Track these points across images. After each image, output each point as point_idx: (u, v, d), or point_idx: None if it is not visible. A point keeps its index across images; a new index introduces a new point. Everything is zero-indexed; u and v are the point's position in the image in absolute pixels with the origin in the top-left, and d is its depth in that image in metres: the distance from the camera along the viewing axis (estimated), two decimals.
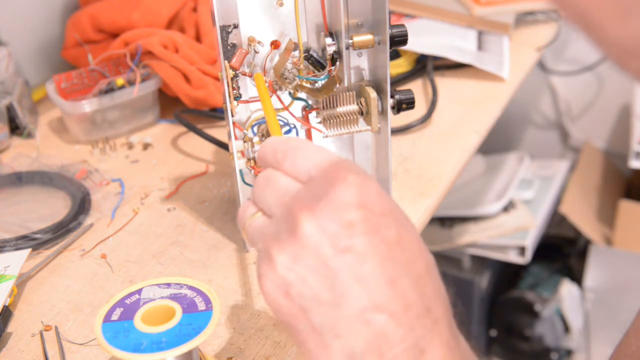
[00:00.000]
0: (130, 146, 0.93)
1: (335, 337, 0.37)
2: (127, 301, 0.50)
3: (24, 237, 0.73)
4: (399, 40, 0.62)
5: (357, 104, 0.67)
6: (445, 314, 0.39)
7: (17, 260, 0.68)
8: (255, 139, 0.69)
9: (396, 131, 0.90)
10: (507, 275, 1.70)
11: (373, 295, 0.36)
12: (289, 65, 0.65)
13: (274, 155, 0.42)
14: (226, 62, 0.63)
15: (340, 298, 0.37)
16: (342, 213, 0.37)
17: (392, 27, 0.62)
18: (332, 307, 0.37)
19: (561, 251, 1.75)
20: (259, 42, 0.65)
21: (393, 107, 0.65)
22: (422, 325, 0.37)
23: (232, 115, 0.65)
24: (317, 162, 0.40)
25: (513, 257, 1.56)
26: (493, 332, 1.67)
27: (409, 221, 0.40)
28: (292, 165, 0.41)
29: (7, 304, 0.63)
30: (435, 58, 1.06)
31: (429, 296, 0.38)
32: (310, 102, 0.69)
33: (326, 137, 0.68)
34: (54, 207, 0.80)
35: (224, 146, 0.85)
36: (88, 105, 0.90)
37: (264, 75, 0.66)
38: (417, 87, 1.03)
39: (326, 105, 0.67)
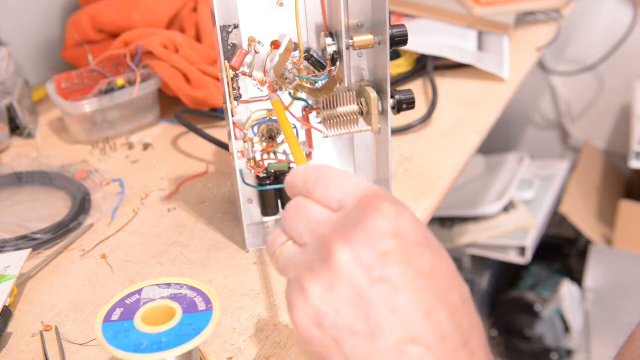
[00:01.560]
0: (130, 146, 0.93)
1: None
2: (127, 301, 0.50)
3: (24, 237, 0.73)
4: (399, 40, 0.62)
5: (357, 104, 0.67)
6: (482, 346, 0.38)
7: (17, 260, 0.68)
8: (255, 139, 0.69)
9: (396, 131, 0.90)
10: (507, 275, 1.70)
11: (409, 326, 0.35)
12: (289, 65, 0.65)
13: (304, 184, 0.42)
14: (226, 62, 0.63)
15: (375, 329, 0.36)
16: (376, 242, 0.36)
17: (392, 27, 0.62)
18: (367, 339, 0.36)
19: (561, 251, 1.75)
20: (259, 42, 0.65)
21: (393, 107, 0.65)
22: (459, 358, 0.36)
23: (232, 115, 0.65)
24: (350, 190, 0.39)
25: (513, 257, 1.56)
26: (493, 332, 1.67)
27: (443, 250, 0.39)
28: (324, 193, 0.40)
29: (7, 304, 0.63)
30: (435, 58, 1.06)
31: (465, 327, 0.37)
32: (310, 102, 0.69)
33: (326, 137, 0.68)
34: (54, 207, 0.80)
35: (224, 146, 0.85)
36: (88, 105, 0.90)
37: (264, 76, 0.66)
38: (417, 87, 1.03)
39: (326, 105, 0.67)
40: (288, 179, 0.43)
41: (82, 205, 0.79)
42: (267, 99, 0.67)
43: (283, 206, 0.74)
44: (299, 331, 0.39)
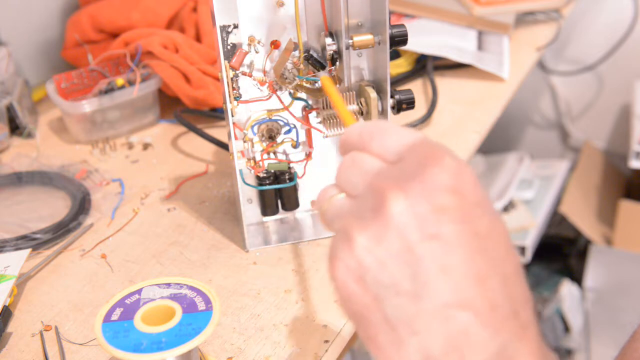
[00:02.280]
0: (130, 146, 0.93)
1: (412, 334, 0.33)
2: (127, 301, 0.50)
3: (24, 237, 0.73)
4: (399, 40, 0.62)
5: (357, 104, 0.67)
6: (533, 321, 0.35)
7: (17, 260, 0.68)
8: (255, 139, 0.69)
9: None
10: None
11: (458, 290, 0.33)
12: (289, 65, 0.65)
13: (359, 137, 0.39)
14: (226, 62, 0.63)
15: (421, 289, 0.33)
16: (435, 196, 0.33)
17: (392, 27, 0.62)
18: (412, 299, 0.33)
19: (561, 251, 1.75)
20: (259, 42, 0.65)
21: (393, 107, 0.65)
22: (510, 331, 0.33)
23: (232, 115, 0.65)
24: (409, 142, 0.36)
25: None
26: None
27: (501, 217, 0.36)
28: (381, 145, 0.37)
29: (7, 304, 0.63)
30: (435, 58, 1.06)
31: (518, 299, 0.34)
32: (310, 102, 0.69)
33: (326, 137, 0.68)
34: (54, 207, 0.80)
35: (224, 146, 0.85)
36: (88, 105, 0.90)
37: (264, 76, 0.66)
38: (417, 87, 1.03)
39: (326, 105, 0.67)
40: (342, 137, 0.40)
41: (82, 205, 0.79)
42: (267, 99, 0.67)
43: (283, 206, 0.74)
44: (337, 286, 0.35)
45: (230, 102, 0.64)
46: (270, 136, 0.69)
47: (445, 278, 0.33)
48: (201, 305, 0.49)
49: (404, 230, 0.33)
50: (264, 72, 0.66)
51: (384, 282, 0.34)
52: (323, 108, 0.67)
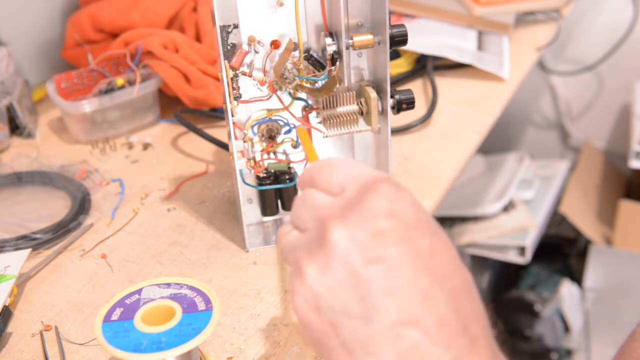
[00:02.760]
0: (130, 146, 0.93)
1: (367, 355, 0.35)
2: (127, 301, 0.50)
3: (24, 237, 0.73)
4: (399, 40, 0.62)
5: (357, 104, 0.67)
6: (485, 334, 0.36)
7: (17, 260, 0.68)
8: (255, 139, 0.69)
9: (396, 131, 0.90)
10: (507, 275, 1.70)
11: (405, 309, 0.34)
12: (289, 65, 0.65)
13: (310, 174, 0.42)
14: (226, 62, 0.63)
15: (370, 311, 0.35)
16: (372, 222, 0.36)
17: (392, 27, 0.62)
18: (363, 322, 0.35)
19: (561, 251, 1.74)
20: (259, 42, 0.65)
21: (393, 107, 0.65)
22: (459, 345, 0.35)
23: (232, 115, 0.65)
24: (352, 175, 0.39)
25: (513, 257, 1.56)
26: (493, 332, 1.67)
27: (444, 234, 0.38)
28: (327, 179, 0.40)
29: (7, 304, 0.63)
30: (435, 58, 1.06)
31: (466, 313, 0.36)
32: (310, 102, 0.69)
33: (326, 137, 0.68)
34: (54, 207, 0.80)
35: (224, 146, 0.85)
36: (88, 105, 0.90)
37: (264, 76, 0.66)
38: (417, 87, 1.03)
39: (326, 105, 0.67)
40: (299, 179, 0.44)
41: (82, 205, 0.79)
42: (267, 99, 0.67)
43: (283, 206, 0.74)
44: (298, 317, 0.38)
45: (230, 102, 0.64)
46: (270, 136, 0.69)
47: (392, 298, 0.34)
48: (201, 305, 0.49)
49: (346, 256, 0.35)
50: (264, 72, 0.66)
51: (335, 308, 0.36)
52: (323, 108, 0.67)
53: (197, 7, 1.04)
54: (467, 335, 0.35)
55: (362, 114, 0.67)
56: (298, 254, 0.38)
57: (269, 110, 0.68)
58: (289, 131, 0.70)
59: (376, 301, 0.35)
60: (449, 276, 0.36)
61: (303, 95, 0.68)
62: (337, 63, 0.65)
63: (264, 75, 0.66)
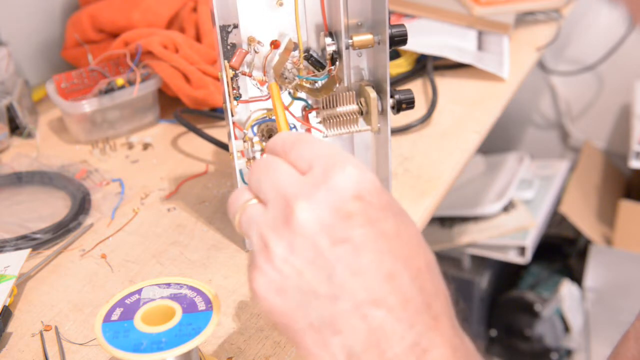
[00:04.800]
0: (130, 146, 0.93)
1: (334, 333, 0.36)
2: (127, 301, 0.50)
3: (24, 237, 0.73)
4: (399, 40, 0.62)
5: (357, 104, 0.67)
6: (447, 311, 0.38)
7: (17, 260, 0.68)
8: (255, 139, 0.69)
9: (396, 131, 0.90)
10: (507, 275, 1.70)
11: (370, 288, 0.35)
12: (289, 65, 0.65)
13: (282, 144, 0.41)
14: (226, 62, 0.63)
15: (337, 291, 0.35)
16: (339, 203, 0.36)
17: (392, 27, 0.62)
18: (330, 301, 0.36)
19: (561, 251, 1.75)
20: (259, 42, 0.65)
21: (393, 107, 0.65)
22: (423, 323, 0.36)
23: (232, 115, 0.65)
24: (320, 153, 0.39)
25: (513, 257, 1.56)
26: (493, 332, 1.67)
27: (408, 217, 0.39)
28: (297, 154, 0.40)
29: (7, 304, 0.63)
30: (435, 58, 1.06)
31: (429, 292, 0.37)
32: (310, 102, 0.69)
33: (326, 137, 0.68)
34: (54, 207, 0.80)
35: (224, 146, 0.85)
36: (88, 105, 0.90)
37: (264, 76, 0.66)
38: (417, 87, 1.03)
39: (326, 105, 0.67)
40: (268, 143, 0.43)
41: (82, 205, 0.79)
42: (267, 99, 0.67)
43: None
44: (260, 299, 0.38)
45: (230, 102, 0.64)
46: (270, 136, 0.69)
47: (358, 278, 0.35)
48: (201, 305, 0.49)
49: (314, 237, 0.36)
50: (264, 72, 0.66)
51: (302, 289, 0.36)
52: (323, 108, 0.67)
53: (197, 7, 1.04)
54: (430, 313, 0.36)
55: (362, 113, 0.67)
56: (263, 230, 0.38)
57: (269, 110, 0.68)
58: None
59: (343, 281, 0.35)
60: (413, 256, 0.37)
61: (303, 95, 0.68)
62: (337, 63, 0.65)
63: (264, 75, 0.66)
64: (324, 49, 0.65)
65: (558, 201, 1.61)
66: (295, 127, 0.70)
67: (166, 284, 0.52)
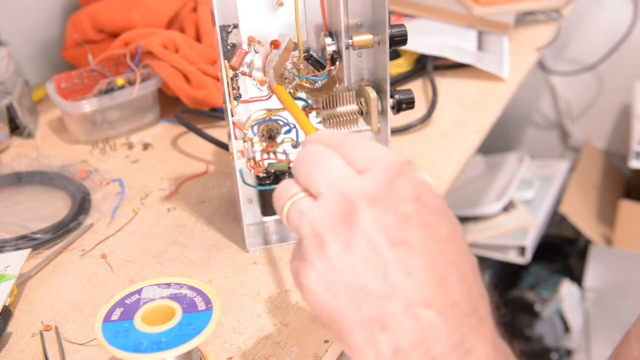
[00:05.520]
0: (130, 146, 0.93)
1: (383, 330, 0.37)
2: (127, 301, 0.50)
3: (24, 237, 0.73)
4: (398, 40, 0.62)
5: (357, 104, 0.67)
6: (489, 315, 0.39)
7: (17, 260, 0.68)
8: (255, 139, 0.69)
9: (396, 131, 0.90)
10: (507, 275, 1.70)
11: (422, 290, 0.36)
12: (288, 65, 0.65)
13: (332, 139, 0.41)
14: (226, 62, 0.63)
15: (390, 290, 0.36)
16: (399, 206, 0.37)
17: (392, 27, 0.62)
18: (382, 299, 0.36)
19: (561, 251, 1.74)
20: (259, 42, 0.65)
21: (393, 107, 0.65)
22: (469, 324, 0.37)
23: (232, 115, 0.65)
24: (377, 156, 0.39)
25: (513, 257, 1.56)
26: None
27: (458, 222, 0.40)
28: (351, 152, 0.40)
29: (7, 304, 0.63)
30: (435, 58, 1.06)
31: (475, 296, 0.38)
32: (310, 102, 0.69)
33: None
34: (54, 207, 0.80)
35: (224, 146, 0.85)
36: (88, 105, 0.90)
37: (264, 76, 0.66)
38: (417, 87, 1.03)
39: (326, 105, 0.67)
40: (312, 136, 0.42)
41: (82, 205, 0.79)
42: (267, 99, 0.67)
43: None
44: (307, 294, 0.38)
45: (230, 102, 0.64)
46: (270, 136, 0.69)
47: (411, 280, 0.36)
48: (201, 305, 0.49)
49: (372, 237, 0.37)
50: (264, 72, 0.66)
51: (354, 286, 0.37)
52: (323, 108, 0.67)
53: (197, 7, 1.04)
54: (475, 316, 0.38)
55: (362, 113, 0.67)
56: (317, 225, 0.38)
57: (268, 110, 0.68)
58: (289, 131, 0.70)
59: (397, 281, 0.36)
60: (461, 260, 0.38)
61: (303, 95, 0.68)
62: (337, 63, 0.65)
63: (264, 75, 0.66)
64: (324, 49, 0.65)
65: (558, 201, 1.61)
66: (295, 127, 0.70)
67: (166, 284, 0.52)
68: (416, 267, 0.36)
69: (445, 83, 1.04)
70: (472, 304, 0.38)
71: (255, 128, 0.69)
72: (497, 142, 1.84)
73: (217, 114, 0.96)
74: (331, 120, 0.67)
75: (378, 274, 0.36)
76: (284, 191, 0.41)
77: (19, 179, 0.85)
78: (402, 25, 0.62)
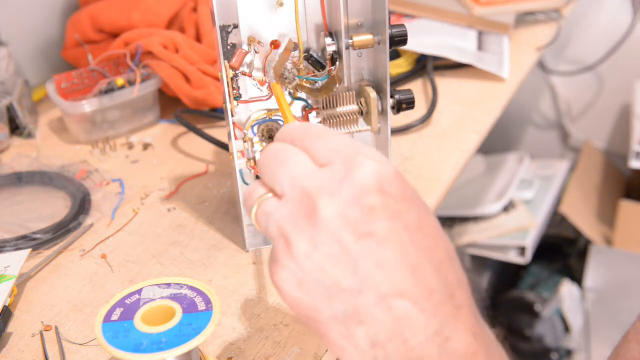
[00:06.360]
0: (130, 146, 0.93)
1: (359, 324, 0.36)
2: (127, 301, 0.50)
3: (24, 237, 0.73)
4: (399, 40, 0.62)
5: (357, 104, 0.67)
6: (468, 301, 0.38)
7: (17, 260, 0.68)
8: (255, 139, 0.69)
9: (396, 131, 0.90)
10: (507, 275, 1.70)
11: (395, 281, 0.36)
12: (288, 65, 0.65)
13: (294, 134, 0.40)
14: (226, 62, 0.63)
15: (361, 284, 0.36)
16: (362, 198, 0.36)
17: (392, 27, 0.62)
18: (354, 294, 0.36)
19: (561, 251, 1.75)
20: (259, 42, 0.65)
21: (393, 107, 0.65)
22: (445, 312, 0.36)
23: (232, 115, 0.65)
24: (338, 146, 0.38)
25: (513, 257, 1.56)
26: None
27: (428, 208, 0.39)
28: (313, 146, 0.39)
29: (7, 304, 0.63)
30: (435, 58, 1.06)
31: (451, 282, 0.37)
32: (310, 102, 0.69)
33: None
34: (54, 207, 0.80)
35: (224, 146, 0.85)
36: (88, 105, 0.90)
37: (264, 76, 0.66)
38: (417, 87, 1.03)
39: (326, 105, 0.67)
40: (279, 132, 0.42)
41: (82, 205, 0.79)
42: (267, 99, 0.67)
43: None
44: (281, 293, 0.38)
45: (230, 102, 0.64)
46: (270, 136, 0.69)
47: (382, 271, 0.36)
48: (201, 305, 0.49)
49: (338, 233, 0.36)
50: (264, 72, 0.66)
51: (325, 283, 0.37)
52: (323, 108, 0.67)
53: (197, 7, 1.04)
54: (452, 303, 0.37)
55: (362, 113, 0.67)
56: (283, 225, 0.38)
57: (269, 110, 0.68)
58: None
59: (367, 274, 0.36)
60: (434, 247, 0.38)
61: (303, 95, 0.68)
62: (337, 63, 0.65)
63: (264, 75, 0.66)
64: (324, 49, 0.65)
65: (558, 201, 1.61)
66: None
67: (166, 284, 0.52)
68: (386, 258, 0.36)
69: (445, 83, 1.04)
70: (448, 291, 0.37)
71: (255, 128, 0.69)
72: (497, 142, 1.84)
73: (217, 114, 0.96)
74: (331, 120, 0.67)
75: (347, 269, 0.36)
76: (251, 193, 0.41)
77: (19, 179, 0.85)
78: (402, 25, 0.62)
